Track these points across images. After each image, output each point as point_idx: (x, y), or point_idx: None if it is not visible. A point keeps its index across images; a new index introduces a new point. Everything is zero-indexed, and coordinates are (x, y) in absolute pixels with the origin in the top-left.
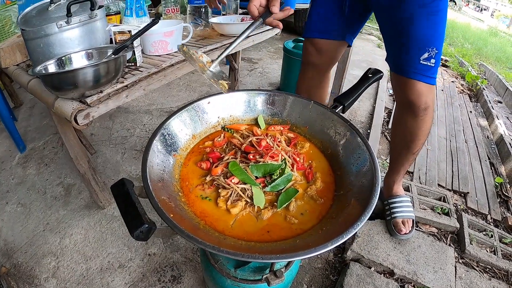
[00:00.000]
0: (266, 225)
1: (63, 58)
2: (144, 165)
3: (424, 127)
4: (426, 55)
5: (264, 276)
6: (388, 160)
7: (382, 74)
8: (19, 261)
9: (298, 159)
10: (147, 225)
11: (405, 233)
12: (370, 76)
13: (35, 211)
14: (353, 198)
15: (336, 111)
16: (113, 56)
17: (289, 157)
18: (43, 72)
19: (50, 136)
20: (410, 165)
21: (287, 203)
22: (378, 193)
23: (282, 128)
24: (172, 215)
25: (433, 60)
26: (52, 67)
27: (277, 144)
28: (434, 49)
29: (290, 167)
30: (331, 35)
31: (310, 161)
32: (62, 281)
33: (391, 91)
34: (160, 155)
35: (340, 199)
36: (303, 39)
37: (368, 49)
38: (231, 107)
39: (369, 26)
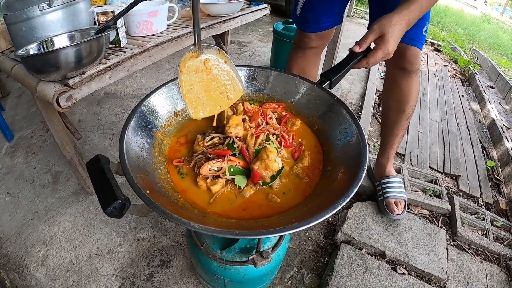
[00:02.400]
0: (247, 203)
1: (45, 41)
2: (122, 142)
3: (416, 87)
4: (425, 27)
5: (250, 257)
6: (379, 142)
7: (371, 50)
8: (9, 251)
9: (287, 136)
10: (120, 201)
11: (398, 214)
12: (359, 52)
13: (23, 200)
14: (340, 173)
15: (323, 86)
16: (94, 36)
17: (278, 135)
18: (24, 54)
19: (37, 124)
20: (403, 136)
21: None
22: (366, 165)
23: (277, 106)
24: (148, 192)
25: (426, 31)
26: (33, 50)
27: (266, 122)
28: (428, 22)
29: (278, 145)
30: (335, 22)
31: (300, 140)
32: (52, 269)
33: (382, 74)
34: (140, 132)
35: (327, 176)
36: (291, 20)
37: (359, 33)
38: None
39: (361, 10)
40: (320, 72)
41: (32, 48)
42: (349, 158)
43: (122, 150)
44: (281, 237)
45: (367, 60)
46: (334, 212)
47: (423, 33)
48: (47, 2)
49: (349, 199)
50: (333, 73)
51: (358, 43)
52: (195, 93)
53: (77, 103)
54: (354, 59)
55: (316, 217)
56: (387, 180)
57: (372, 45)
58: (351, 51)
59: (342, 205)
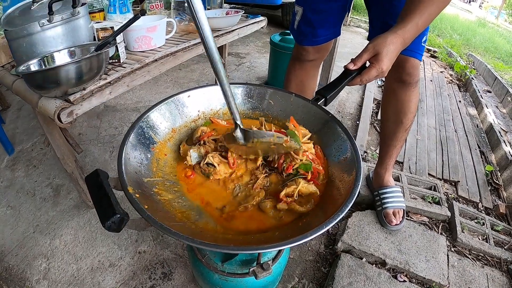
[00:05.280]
0: (247, 218)
1: (45, 57)
2: (120, 157)
3: (415, 99)
4: (424, 38)
5: (251, 269)
6: (377, 151)
7: (366, 68)
8: (10, 264)
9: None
10: (119, 216)
11: (396, 224)
12: (353, 70)
13: (24, 213)
14: (335, 189)
15: (318, 103)
16: (95, 52)
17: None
18: (26, 71)
19: (38, 138)
20: (401, 147)
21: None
22: (360, 183)
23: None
24: (146, 207)
25: (426, 42)
26: (34, 66)
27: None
28: (427, 33)
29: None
30: (332, 35)
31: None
32: (54, 283)
33: (379, 82)
34: (138, 148)
35: (322, 191)
36: (289, 31)
37: (356, 42)
38: (211, 101)
39: (357, 18)
40: (318, 83)
41: (33, 64)
42: (343, 174)
43: (121, 165)
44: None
45: (361, 77)
46: (328, 227)
47: (422, 44)
48: (47, 18)
49: (343, 214)
50: (328, 90)
51: (353, 61)
52: None
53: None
54: (348, 76)
55: (311, 232)
56: (385, 190)
57: (368, 64)
58: (345, 68)
59: (336, 221)
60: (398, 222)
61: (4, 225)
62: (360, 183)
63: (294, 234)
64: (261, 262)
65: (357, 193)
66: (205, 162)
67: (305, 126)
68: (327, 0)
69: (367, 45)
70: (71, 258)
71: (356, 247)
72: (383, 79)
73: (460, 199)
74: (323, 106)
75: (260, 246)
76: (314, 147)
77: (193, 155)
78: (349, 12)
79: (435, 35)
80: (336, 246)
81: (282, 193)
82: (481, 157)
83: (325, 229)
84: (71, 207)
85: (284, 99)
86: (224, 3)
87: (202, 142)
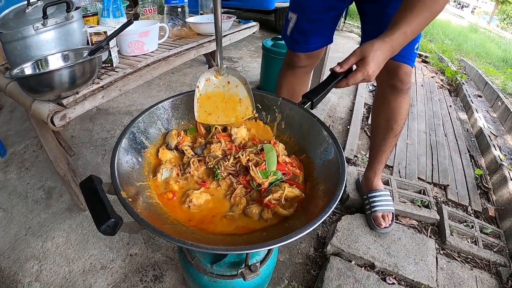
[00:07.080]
0: (238, 223)
1: (39, 60)
2: (113, 163)
3: (406, 106)
4: (417, 45)
5: (239, 271)
6: (367, 155)
7: (352, 71)
8: (2, 266)
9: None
10: (113, 220)
11: (385, 227)
12: (340, 72)
13: (16, 216)
14: (320, 191)
15: (305, 107)
16: (88, 57)
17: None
18: (20, 74)
19: (30, 140)
20: (391, 152)
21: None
22: (344, 184)
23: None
24: (139, 210)
25: (418, 48)
26: (28, 70)
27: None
28: (420, 40)
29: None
30: (325, 42)
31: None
32: (45, 285)
33: (371, 87)
34: (130, 153)
35: (307, 193)
36: (281, 37)
37: (348, 47)
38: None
39: (349, 23)
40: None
41: (27, 68)
42: (328, 177)
43: (114, 171)
44: (269, 251)
45: (347, 80)
46: (313, 227)
47: (415, 51)
48: (42, 22)
49: (327, 215)
50: (315, 93)
51: (339, 64)
52: (211, 102)
53: None
54: (335, 79)
55: (296, 232)
56: (374, 194)
57: (354, 67)
58: (332, 71)
59: (320, 221)
60: (387, 225)
61: None
62: (344, 184)
63: (280, 235)
64: (249, 264)
65: (341, 194)
66: (192, 202)
67: (292, 129)
68: (322, 10)
69: (355, 49)
70: (63, 260)
71: (345, 250)
72: (374, 83)
73: (450, 203)
74: (309, 110)
75: (248, 246)
76: (290, 157)
77: (164, 174)
78: (345, 19)
79: (427, 40)
80: (325, 249)
81: (268, 198)
82: (471, 161)
83: (310, 229)
84: (63, 210)
85: (271, 103)
86: None
87: (178, 148)
